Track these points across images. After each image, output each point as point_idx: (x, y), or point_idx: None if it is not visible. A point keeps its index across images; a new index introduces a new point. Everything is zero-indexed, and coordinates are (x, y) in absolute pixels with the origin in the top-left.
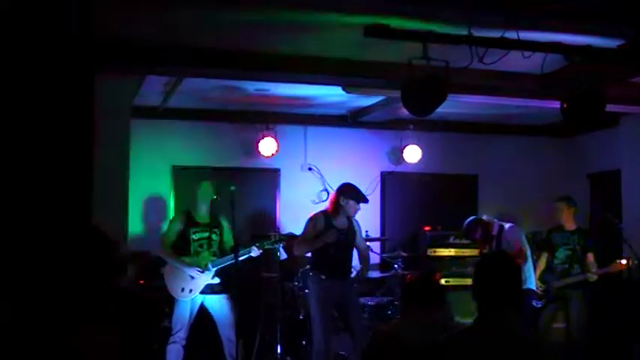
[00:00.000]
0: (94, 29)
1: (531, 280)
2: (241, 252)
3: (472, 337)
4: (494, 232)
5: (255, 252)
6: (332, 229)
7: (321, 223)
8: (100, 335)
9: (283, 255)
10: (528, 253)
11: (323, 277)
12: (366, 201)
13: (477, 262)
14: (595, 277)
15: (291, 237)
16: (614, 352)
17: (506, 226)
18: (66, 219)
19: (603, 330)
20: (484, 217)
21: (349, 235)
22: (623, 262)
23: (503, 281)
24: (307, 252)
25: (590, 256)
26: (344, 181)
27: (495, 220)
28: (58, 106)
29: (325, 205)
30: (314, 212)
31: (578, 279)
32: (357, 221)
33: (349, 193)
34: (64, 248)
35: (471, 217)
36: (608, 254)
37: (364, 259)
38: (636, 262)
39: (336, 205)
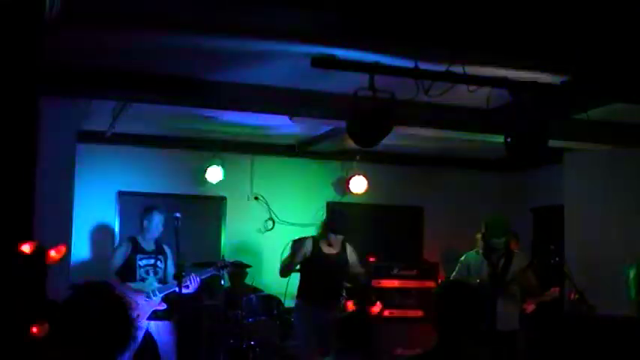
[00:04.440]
0: (40, 52)
1: None
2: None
3: None
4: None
5: (192, 286)
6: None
7: (308, 247)
8: None
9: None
10: None
11: (306, 304)
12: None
13: (440, 290)
14: (531, 308)
15: (236, 265)
16: None
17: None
18: (5, 243)
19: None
20: None
21: (338, 261)
22: (556, 289)
23: (467, 310)
24: (289, 269)
25: None
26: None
27: None
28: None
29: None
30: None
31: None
32: (351, 248)
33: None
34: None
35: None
36: (549, 287)
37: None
38: (578, 295)
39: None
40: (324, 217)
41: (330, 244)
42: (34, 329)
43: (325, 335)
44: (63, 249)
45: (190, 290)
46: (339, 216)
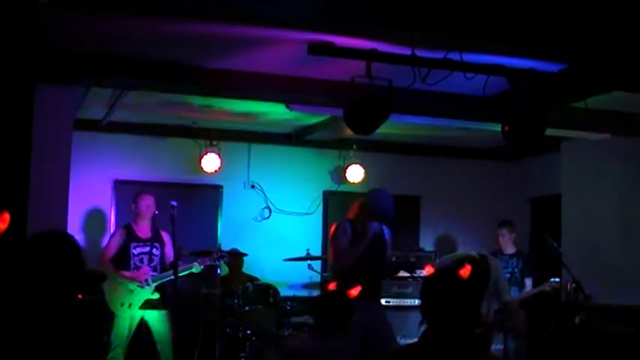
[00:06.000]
0: (38, 39)
1: None
2: (182, 268)
3: (417, 354)
4: None
5: (196, 268)
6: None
7: (349, 231)
8: None
9: (224, 272)
10: None
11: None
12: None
13: (425, 280)
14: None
15: (233, 254)
16: None
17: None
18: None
19: (541, 353)
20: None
21: (377, 245)
22: (557, 280)
23: (453, 301)
24: (351, 261)
25: (528, 282)
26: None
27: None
28: None
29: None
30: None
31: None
32: (387, 229)
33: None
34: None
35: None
36: (545, 277)
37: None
38: (574, 285)
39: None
40: (366, 200)
41: (367, 229)
42: None
43: (374, 333)
44: (7, 217)
45: (193, 269)
46: (383, 201)
